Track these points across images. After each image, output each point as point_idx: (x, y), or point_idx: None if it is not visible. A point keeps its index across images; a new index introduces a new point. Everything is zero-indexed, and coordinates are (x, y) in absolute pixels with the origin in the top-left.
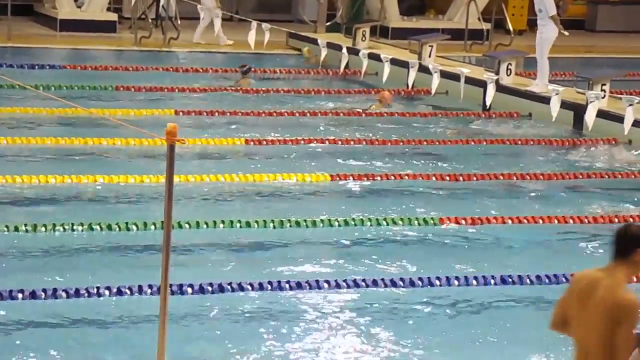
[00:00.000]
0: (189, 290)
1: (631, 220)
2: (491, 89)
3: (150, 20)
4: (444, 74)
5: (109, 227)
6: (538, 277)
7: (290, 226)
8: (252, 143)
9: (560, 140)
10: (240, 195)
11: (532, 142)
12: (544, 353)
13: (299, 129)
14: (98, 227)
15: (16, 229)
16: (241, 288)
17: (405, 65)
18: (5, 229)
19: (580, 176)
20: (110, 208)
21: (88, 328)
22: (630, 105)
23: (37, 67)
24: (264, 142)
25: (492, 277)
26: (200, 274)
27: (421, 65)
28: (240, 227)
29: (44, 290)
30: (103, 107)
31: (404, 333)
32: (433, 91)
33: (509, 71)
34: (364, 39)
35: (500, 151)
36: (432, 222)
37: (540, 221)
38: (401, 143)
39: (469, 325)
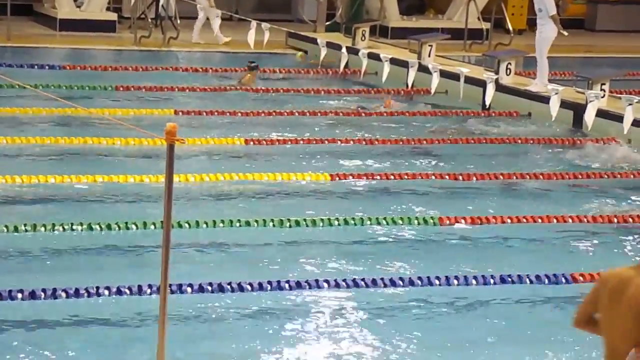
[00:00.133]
0: (189, 289)
1: (631, 220)
2: (491, 89)
3: (149, 20)
4: (444, 74)
5: (109, 227)
6: (537, 276)
7: (290, 226)
8: (251, 143)
9: (559, 140)
10: (240, 194)
11: (531, 142)
12: (544, 352)
13: (299, 128)
14: (98, 226)
15: (16, 228)
16: (241, 288)
17: (404, 64)
18: (5, 229)
19: (580, 175)
20: (110, 208)
21: (87, 328)
22: (630, 104)
23: (36, 66)
24: (264, 142)
25: (492, 276)
26: (200, 274)
27: (421, 65)
28: (240, 226)
29: (44, 290)
30: (102, 107)
31: (403, 332)
32: (433, 91)
33: (508, 71)
34: (363, 38)
35: (500, 151)
36: (431, 221)
37: (540, 220)
38: (401, 142)
39: (468, 325)
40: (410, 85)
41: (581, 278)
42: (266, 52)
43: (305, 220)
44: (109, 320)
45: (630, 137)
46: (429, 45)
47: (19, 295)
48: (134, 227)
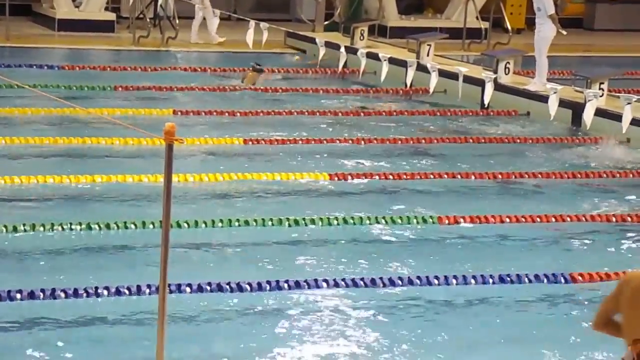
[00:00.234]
0: (188, 289)
1: (629, 219)
2: (489, 88)
3: (148, 20)
4: (442, 73)
5: (108, 227)
6: (537, 276)
7: (289, 225)
8: (250, 142)
9: (558, 139)
10: (239, 194)
11: (530, 141)
12: (543, 352)
13: (298, 128)
14: (97, 226)
15: (15, 228)
16: (240, 288)
17: (403, 64)
18: (4, 228)
19: (579, 175)
20: (109, 208)
21: (87, 328)
22: (629, 103)
23: (35, 67)
24: (262, 142)
25: (491, 276)
26: (199, 274)
27: (419, 64)
28: (239, 226)
29: (43, 290)
30: (101, 107)
31: (403, 332)
32: (431, 90)
33: (507, 70)
34: (362, 38)
35: (499, 150)
36: (430, 220)
37: (539, 220)
38: (399, 142)
39: (467, 324)
40: (409, 84)
41: (580, 277)
42: (265, 51)
43: (304, 219)
44: (108, 320)
45: (628, 136)
46: (428, 45)
47: (18, 296)
48: (133, 226)
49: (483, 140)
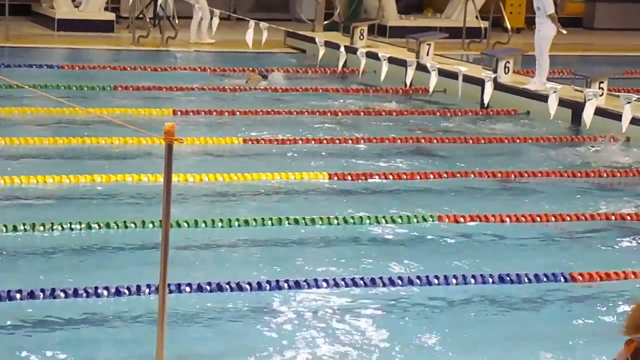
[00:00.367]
0: (188, 289)
1: (629, 218)
2: (489, 87)
3: (148, 20)
4: (442, 72)
5: (108, 226)
6: (536, 275)
7: (289, 224)
8: (250, 142)
9: (558, 138)
10: (239, 194)
11: (530, 140)
12: (542, 352)
13: (297, 128)
14: (96, 226)
15: (14, 228)
16: (239, 287)
17: (403, 63)
18: (4, 228)
19: (579, 174)
20: (109, 207)
21: (87, 328)
22: (628, 102)
23: (34, 67)
24: (262, 141)
25: (490, 275)
26: (199, 273)
27: (419, 64)
28: (239, 226)
29: (42, 291)
30: (101, 107)
31: (402, 332)
32: (431, 89)
33: (506, 69)
34: (361, 37)
35: (498, 149)
36: (430, 220)
37: (539, 219)
38: (399, 141)
39: (467, 324)
40: (408, 84)
41: (580, 277)
42: (264, 51)
43: (304, 219)
44: (108, 320)
45: (628, 135)
46: (427, 44)
47: (18, 296)
48: (132, 226)
49: (483, 140)
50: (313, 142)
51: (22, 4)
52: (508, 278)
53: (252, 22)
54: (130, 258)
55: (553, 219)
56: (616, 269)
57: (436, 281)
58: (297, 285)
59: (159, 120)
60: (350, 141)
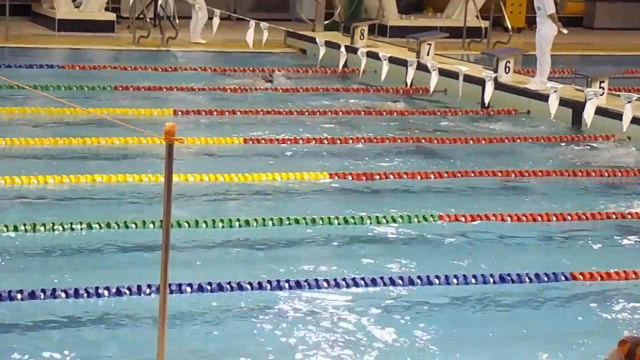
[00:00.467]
0: (188, 289)
1: (630, 217)
2: (489, 87)
3: (148, 20)
4: (443, 72)
5: (108, 226)
6: (537, 274)
7: (290, 224)
8: (250, 142)
9: (558, 138)
10: (239, 194)
11: (530, 140)
12: (543, 352)
13: (298, 127)
14: (97, 226)
15: (15, 228)
16: (240, 287)
17: (403, 63)
18: (5, 228)
19: (579, 173)
20: (109, 207)
21: (87, 328)
22: (629, 102)
23: (35, 67)
24: (263, 141)
25: (491, 275)
26: (200, 273)
27: (419, 64)
28: (240, 226)
29: (43, 290)
30: (101, 107)
31: (402, 331)
32: (431, 89)
33: (507, 69)
34: (362, 37)
35: (499, 149)
36: (431, 219)
37: (539, 218)
38: (399, 141)
39: (468, 324)
40: (409, 84)
41: (581, 277)
42: (265, 51)
43: (304, 219)
44: (108, 320)
45: (629, 135)
46: (428, 44)
47: (18, 296)
48: (133, 226)
49: (483, 140)
50: (314, 142)
51: (22, 4)
52: (508, 278)
53: (252, 22)
54: (130, 258)
55: (554, 218)
56: (617, 268)
57: (436, 281)
58: (298, 285)
59: (159, 120)
60: (350, 141)
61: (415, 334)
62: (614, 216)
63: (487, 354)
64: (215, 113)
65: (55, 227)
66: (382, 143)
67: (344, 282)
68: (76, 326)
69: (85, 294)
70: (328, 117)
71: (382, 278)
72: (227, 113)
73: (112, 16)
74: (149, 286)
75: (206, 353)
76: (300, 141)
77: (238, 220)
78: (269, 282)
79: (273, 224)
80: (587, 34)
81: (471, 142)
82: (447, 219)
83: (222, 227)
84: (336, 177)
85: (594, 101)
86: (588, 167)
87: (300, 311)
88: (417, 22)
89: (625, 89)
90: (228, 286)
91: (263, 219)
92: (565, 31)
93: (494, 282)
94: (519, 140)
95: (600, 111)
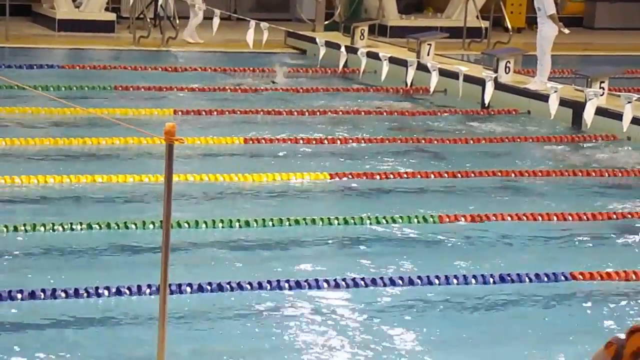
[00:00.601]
0: (188, 289)
1: (629, 217)
2: (490, 87)
3: (148, 20)
4: (443, 72)
5: (108, 227)
6: (537, 275)
7: (290, 225)
8: (250, 142)
9: (558, 138)
10: (240, 194)
11: (530, 140)
12: (543, 351)
13: (298, 127)
14: (97, 226)
15: (15, 228)
16: (240, 287)
17: (403, 63)
18: (5, 229)
19: (580, 173)
20: (109, 208)
21: (87, 328)
22: (629, 102)
23: (35, 67)
24: (263, 141)
25: (491, 275)
26: (200, 274)
27: (420, 64)
28: (240, 226)
29: (43, 290)
30: (101, 107)
31: (402, 331)
32: (432, 89)
33: (507, 69)
34: (362, 37)
35: (499, 149)
36: (431, 219)
37: (540, 218)
38: (400, 141)
39: (468, 324)
40: (409, 84)
41: (581, 277)
42: (265, 51)
43: (305, 219)
44: (108, 320)
45: (629, 135)
46: (428, 44)
47: (19, 296)
48: (133, 226)
49: (483, 140)
50: (314, 142)
51: (22, 4)
52: (508, 278)
53: (252, 22)
54: (130, 258)
55: (555, 218)
56: (617, 268)
57: (436, 281)
58: (298, 285)
59: (159, 120)
60: (351, 141)
61: (415, 333)
62: (614, 216)
63: (487, 354)
64: (215, 113)
65: (55, 227)
66: (382, 143)
67: (344, 282)
68: (76, 326)
69: (85, 294)
70: (328, 117)
71: (382, 278)
72: (227, 113)
73: (112, 16)
74: (149, 286)
75: (206, 353)
76: (300, 141)
77: (238, 220)
78: (269, 282)
79: (273, 224)
80: (587, 34)
81: (471, 142)
82: (447, 219)
83: (222, 227)
84: (336, 177)
85: (594, 101)
86: (588, 167)
87: (301, 311)
88: (417, 22)
89: (625, 89)
90: (228, 286)
91: (263, 219)
92: (566, 31)
93: (494, 282)
94: (519, 140)
95: (600, 111)
